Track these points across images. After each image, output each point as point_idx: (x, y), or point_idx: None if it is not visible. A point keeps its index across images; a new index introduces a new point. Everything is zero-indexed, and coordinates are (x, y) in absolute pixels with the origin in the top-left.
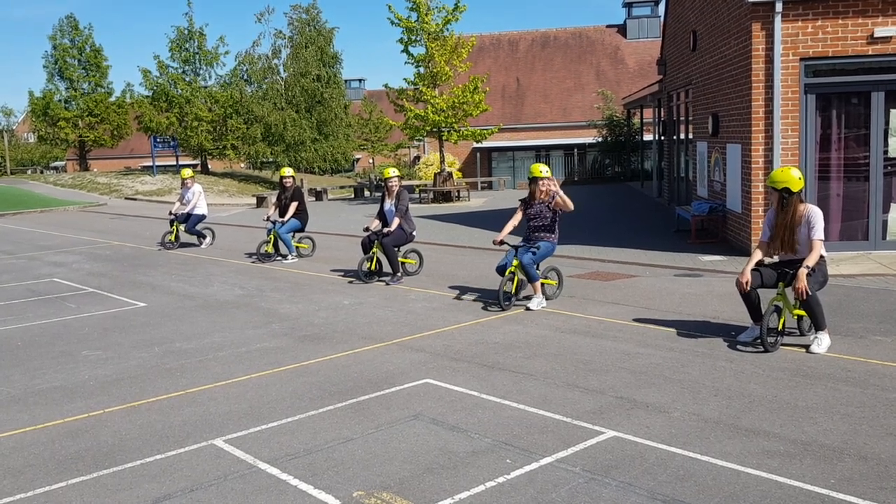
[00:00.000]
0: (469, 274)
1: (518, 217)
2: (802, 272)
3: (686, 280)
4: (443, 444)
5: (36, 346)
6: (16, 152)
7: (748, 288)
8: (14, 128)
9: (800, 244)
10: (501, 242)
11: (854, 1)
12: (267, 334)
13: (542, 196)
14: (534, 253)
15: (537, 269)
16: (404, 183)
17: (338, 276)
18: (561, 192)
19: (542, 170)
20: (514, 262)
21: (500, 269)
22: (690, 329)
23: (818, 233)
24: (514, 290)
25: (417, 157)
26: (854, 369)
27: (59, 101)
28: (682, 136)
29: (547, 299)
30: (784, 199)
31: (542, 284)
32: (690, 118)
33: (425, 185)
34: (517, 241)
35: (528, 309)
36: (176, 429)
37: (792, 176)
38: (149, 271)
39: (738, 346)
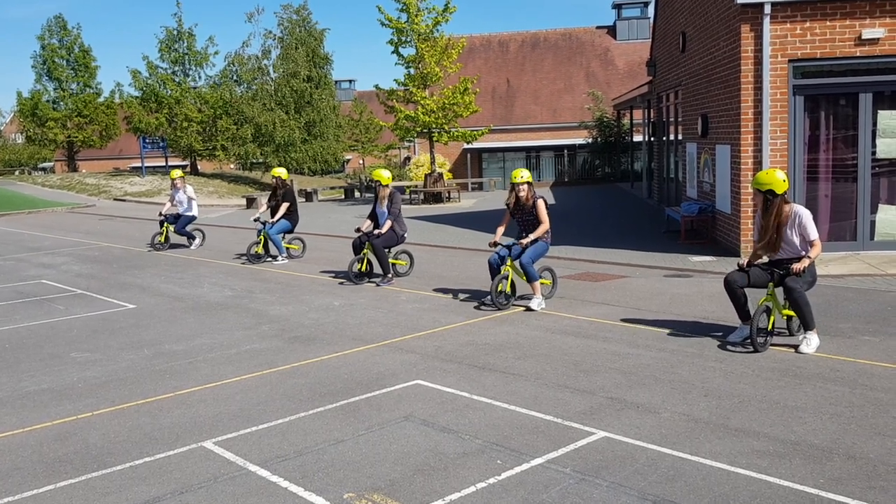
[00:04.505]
0: (460, 275)
1: (507, 219)
2: (806, 260)
3: (676, 280)
4: (433, 446)
5: (24, 349)
6: (3, 153)
7: (746, 267)
8: (2, 128)
9: (787, 244)
10: (496, 244)
11: (842, 3)
12: (257, 336)
13: (524, 200)
14: (523, 251)
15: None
16: (395, 184)
17: (328, 277)
18: (543, 210)
19: (522, 175)
20: (509, 262)
21: (494, 265)
22: (680, 329)
23: (813, 233)
24: (509, 290)
25: (408, 158)
26: (843, 369)
27: (48, 101)
28: (672, 137)
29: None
30: (768, 201)
31: (539, 284)
32: (680, 119)
33: (416, 186)
34: (511, 241)
35: (529, 309)
36: (165, 431)
37: (776, 178)
38: (138, 273)
39: (728, 347)
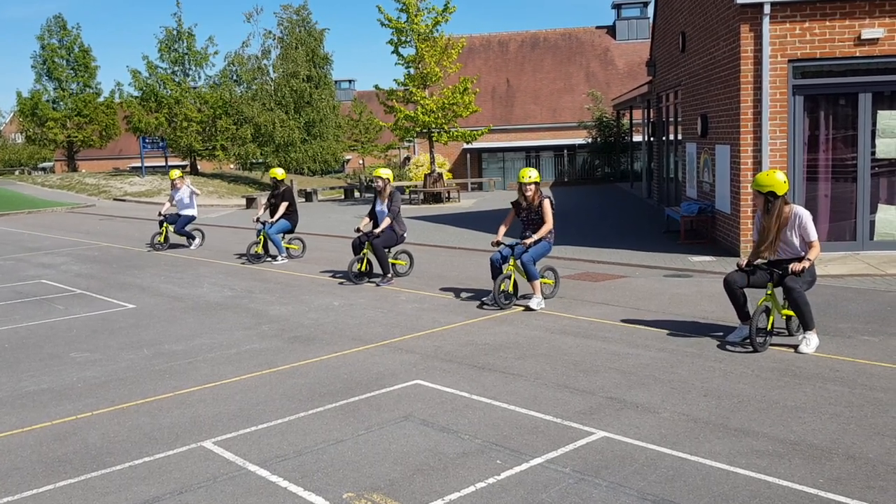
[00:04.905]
0: (460, 275)
1: (511, 218)
2: (806, 262)
3: (675, 280)
4: (433, 446)
5: (23, 349)
6: (3, 153)
7: (746, 267)
8: (1, 128)
9: (787, 245)
10: (498, 243)
11: (841, 3)
12: (257, 336)
13: (530, 200)
14: (527, 251)
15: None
16: (395, 184)
17: (328, 277)
18: (548, 210)
19: (529, 174)
20: (511, 262)
21: (495, 264)
22: (680, 329)
23: (813, 235)
24: (511, 289)
25: (408, 158)
26: (842, 369)
27: (48, 101)
28: (672, 137)
29: (544, 298)
30: (769, 203)
31: (540, 284)
32: (680, 119)
33: (415, 187)
34: (514, 241)
35: (528, 308)
36: (165, 431)
37: (777, 179)
38: (138, 273)
39: (728, 347)
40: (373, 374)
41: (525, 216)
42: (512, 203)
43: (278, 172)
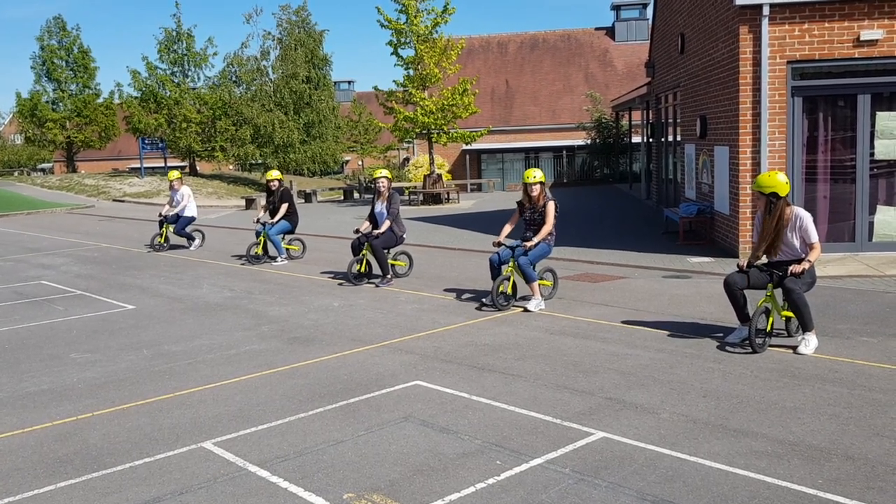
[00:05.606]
0: (459, 275)
1: (515, 218)
2: (806, 263)
3: (674, 281)
4: (433, 446)
5: (23, 349)
6: (2, 154)
7: (745, 267)
8: (1, 129)
9: (787, 246)
10: (500, 244)
11: (840, 4)
12: (256, 336)
13: (535, 200)
14: (526, 254)
15: (533, 269)
16: (394, 185)
17: (327, 278)
18: (551, 212)
19: (534, 174)
20: (511, 263)
21: (494, 265)
22: (679, 330)
23: (814, 236)
24: (510, 291)
25: (407, 159)
26: (841, 370)
27: (47, 102)
28: (671, 138)
29: (543, 300)
30: (771, 204)
31: (539, 285)
32: (678, 120)
33: (415, 188)
34: (514, 242)
35: (526, 310)
36: (165, 431)
37: (779, 181)
38: (137, 273)
39: (727, 347)
40: (372, 374)
41: (528, 216)
42: (517, 202)
43: (276, 175)
